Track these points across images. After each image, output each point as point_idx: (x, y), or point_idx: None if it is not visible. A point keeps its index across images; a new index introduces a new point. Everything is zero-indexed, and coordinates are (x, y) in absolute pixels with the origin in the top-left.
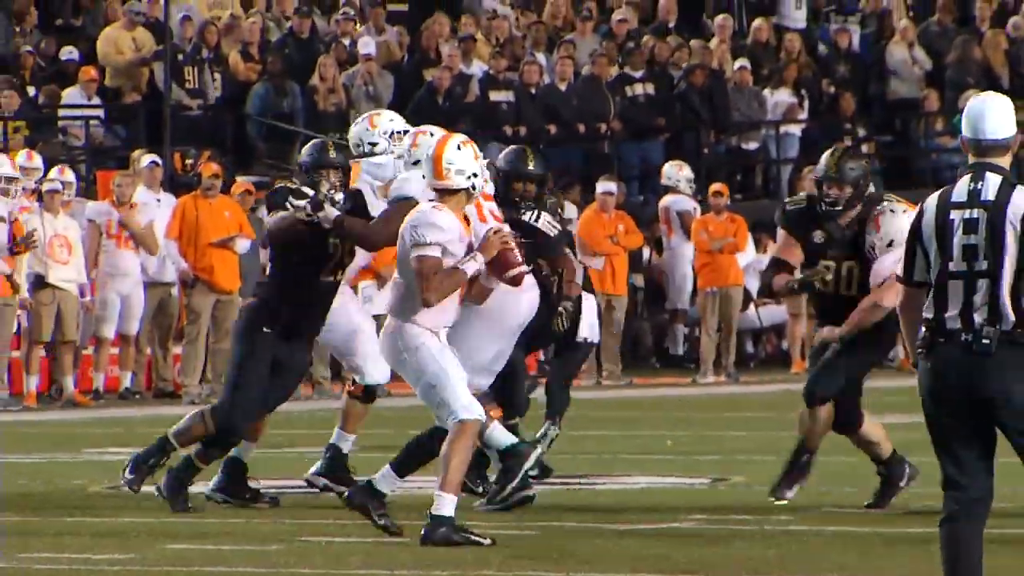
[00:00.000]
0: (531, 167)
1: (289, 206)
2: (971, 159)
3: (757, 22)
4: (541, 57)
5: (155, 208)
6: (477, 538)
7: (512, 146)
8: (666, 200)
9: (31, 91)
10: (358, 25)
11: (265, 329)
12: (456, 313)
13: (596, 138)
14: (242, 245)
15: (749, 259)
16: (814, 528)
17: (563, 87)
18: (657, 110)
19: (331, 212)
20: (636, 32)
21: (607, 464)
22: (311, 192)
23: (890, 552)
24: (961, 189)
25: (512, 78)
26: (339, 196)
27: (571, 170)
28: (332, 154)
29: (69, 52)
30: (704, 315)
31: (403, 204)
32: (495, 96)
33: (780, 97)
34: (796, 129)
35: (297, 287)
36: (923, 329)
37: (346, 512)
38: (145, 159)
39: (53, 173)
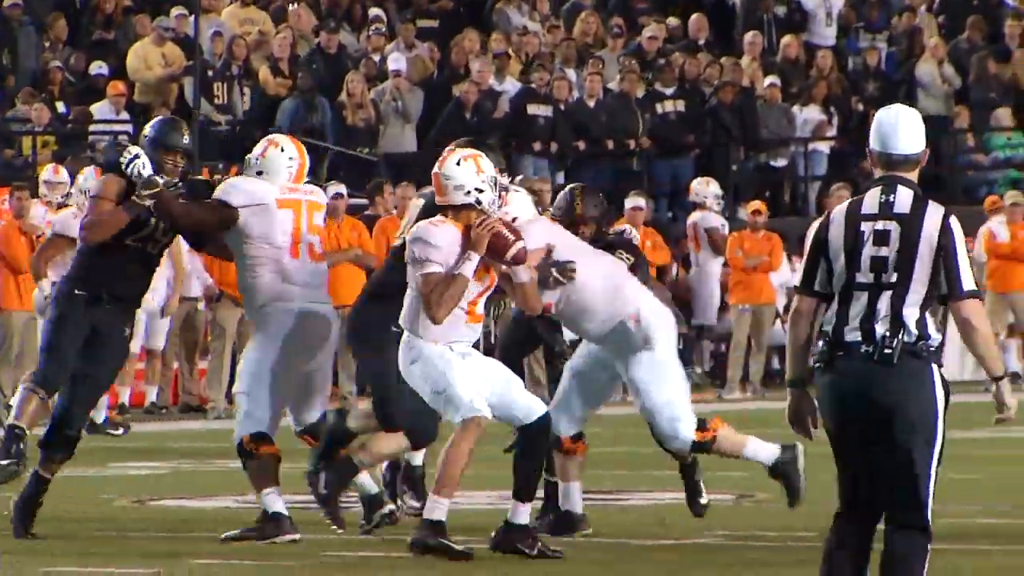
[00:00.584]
0: (583, 210)
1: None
2: (879, 172)
3: (787, 39)
4: (571, 73)
5: None
6: (455, 546)
7: (563, 191)
8: (694, 216)
9: (60, 106)
10: (388, 42)
11: (76, 292)
12: (472, 331)
13: (625, 154)
14: None
15: (783, 278)
16: None
17: (592, 103)
18: (687, 127)
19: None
20: (667, 49)
21: (633, 480)
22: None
23: None
24: (871, 201)
25: (548, 93)
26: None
27: (600, 186)
28: (180, 137)
29: (99, 67)
30: (736, 332)
31: (219, 206)
32: (532, 110)
33: (809, 114)
34: (825, 146)
35: (103, 250)
36: (821, 343)
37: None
38: None
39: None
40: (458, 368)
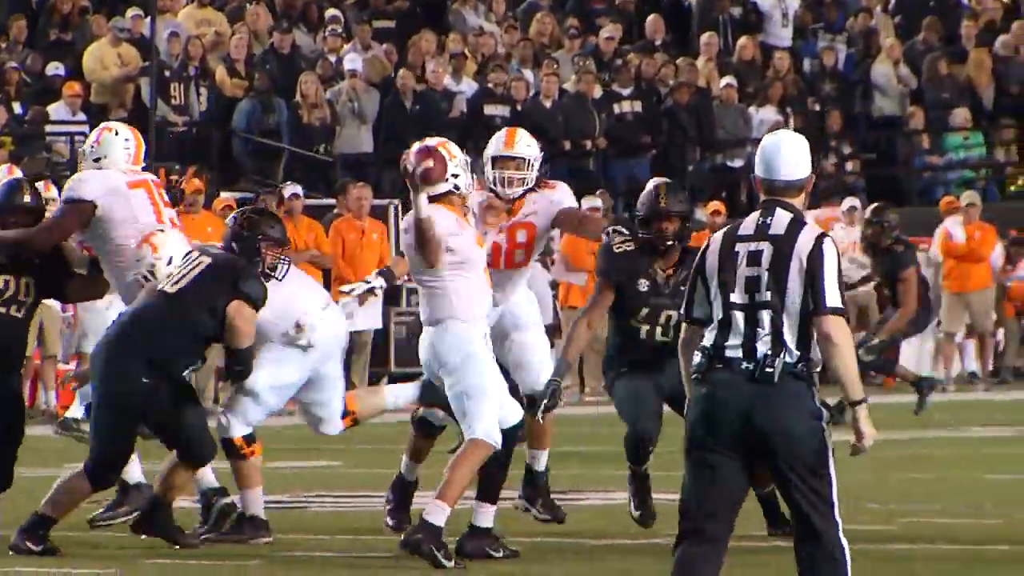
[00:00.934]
0: (667, 205)
1: None
2: (763, 197)
3: (743, 40)
4: (528, 74)
5: None
6: (442, 559)
7: (647, 186)
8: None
9: (16, 107)
10: (345, 43)
11: None
12: (492, 305)
13: (582, 155)
14: None
15: None
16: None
17: (548, 104)
18: (644, 127)
19: None
20: (623, 50)
21: (589, 480)
22: None
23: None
24: (749, 224)
25: (504, 93)
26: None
27: None
28: (20, 197)
29: (55, 68)
30: None
31: (72, 206)
32: (489, 110)
33: (765, 115)
34: None
35: None
36: (698, 356)
37: (328, 528)
38: None
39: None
40: (493, 387)
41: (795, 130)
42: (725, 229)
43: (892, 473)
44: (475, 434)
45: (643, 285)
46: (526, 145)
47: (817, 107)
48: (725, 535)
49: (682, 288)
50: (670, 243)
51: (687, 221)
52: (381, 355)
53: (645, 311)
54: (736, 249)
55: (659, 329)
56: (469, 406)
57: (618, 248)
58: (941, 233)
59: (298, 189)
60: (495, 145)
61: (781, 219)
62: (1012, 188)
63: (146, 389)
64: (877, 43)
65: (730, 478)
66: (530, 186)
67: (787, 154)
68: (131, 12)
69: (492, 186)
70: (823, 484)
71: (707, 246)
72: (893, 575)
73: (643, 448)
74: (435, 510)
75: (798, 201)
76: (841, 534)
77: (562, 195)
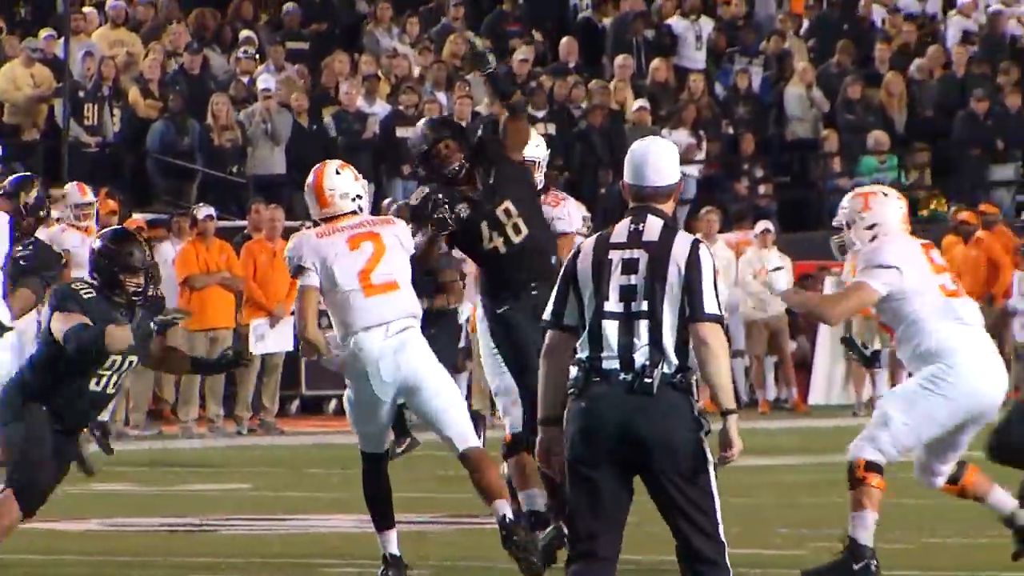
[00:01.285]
0: None
1: None
2: (632, 204)
3: (656, 63)
4: (441, 96)
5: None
6: None
7: None
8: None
9: None
10: (259, 64)
11: None
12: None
13: None
14: None
15: None
16: None
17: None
18: (557, 150)
19: None
20: (536, 72)
21: None
22: None
23: None
24: (620, 231)
25: (416, 115)
26: None
27: None
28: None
29: None
30: None
31: None
32: (401, 132)
33: (678, 137)
34: (694, 170)
35: None
36: (575, 370)
37: (240, 551)
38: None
39: None
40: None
41: (708, 154)
42: (596, 236)
43: (802, 497)
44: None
45: None
46: (534, 146)
47: (731, 130)
48: (614, 552)
49: None
50: None
51: None
52: (293, 378)
53: None
54: (610, 257)
55: None
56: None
57: None
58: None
59: (211, 211)
60: None
61: (653, 225)
62: (923, 212)
63: None
64: (791, 66)
65: (612, 494)
66: (537, 188)
67: (656, 160)
68: (44, 33)
69: None
70: (704, 497)
71: (576, 253)
72: None
73: None
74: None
75: (667, 207)
76: (726, 555)
77: (564, 213)
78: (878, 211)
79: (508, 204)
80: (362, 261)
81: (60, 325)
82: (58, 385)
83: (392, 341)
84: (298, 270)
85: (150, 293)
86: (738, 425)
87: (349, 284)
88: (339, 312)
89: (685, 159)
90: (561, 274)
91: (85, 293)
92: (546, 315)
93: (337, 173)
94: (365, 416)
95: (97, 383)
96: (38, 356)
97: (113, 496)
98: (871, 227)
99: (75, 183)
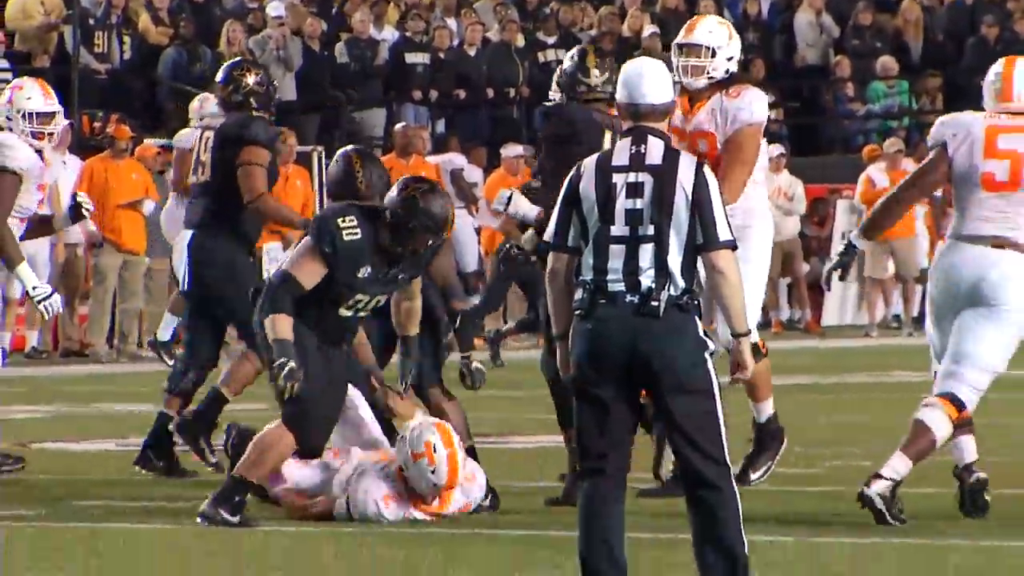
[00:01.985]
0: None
1: None
2: (627, 124)
3: None
4: (452, 22)
5: (61, 169)
6: None
7: None
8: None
9: None
10: None
11: None
12: None
13: (505, 103)
14: (149, 207)
15: None
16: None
17: (472, 52)
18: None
19: None
20: None
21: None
22: None
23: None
24: (621, 153)
25: (426, 41)
26: None
27: (480, 136)
28: None
29: None
30: None
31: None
32: (411, 59)
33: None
34: None
35: None
36: (580, 292)
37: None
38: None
39: None
40: None
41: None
42: (596, 158)
43: (818, 417)
44: None
45: None
46: (707, 32)
47: (740, 57)
48: (623, 469)
49: None
50: None
51: None
52: None
53: None
54: (613, 180)
55: None
56: None
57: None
58: (864, 180)
59: None
60: (680, 33)
61: (655, 147)
62: None
63: None
64: None
65: (620, 413)
66: (715, 78)
67: (650, 79)
68: None
69: (677, 77)
70: (708, 418)
71: (576, 175)
72: (818, 518)
73: None
74: None
75: (663, 127)
76: (731, 478)
77: (745, 104)
78: None
79: None
80: None
81: (292, 268)
82: (310, 305)
83: None
84: None
85: None
86: (750, 347)
87: None
88: None
89: None
90: (562, 196)
91: (349, 234)
92: (547, 237)
93: None
94: None
95: (349, 310)
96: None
97: (118, 417)
98: None
99: (36, 82)
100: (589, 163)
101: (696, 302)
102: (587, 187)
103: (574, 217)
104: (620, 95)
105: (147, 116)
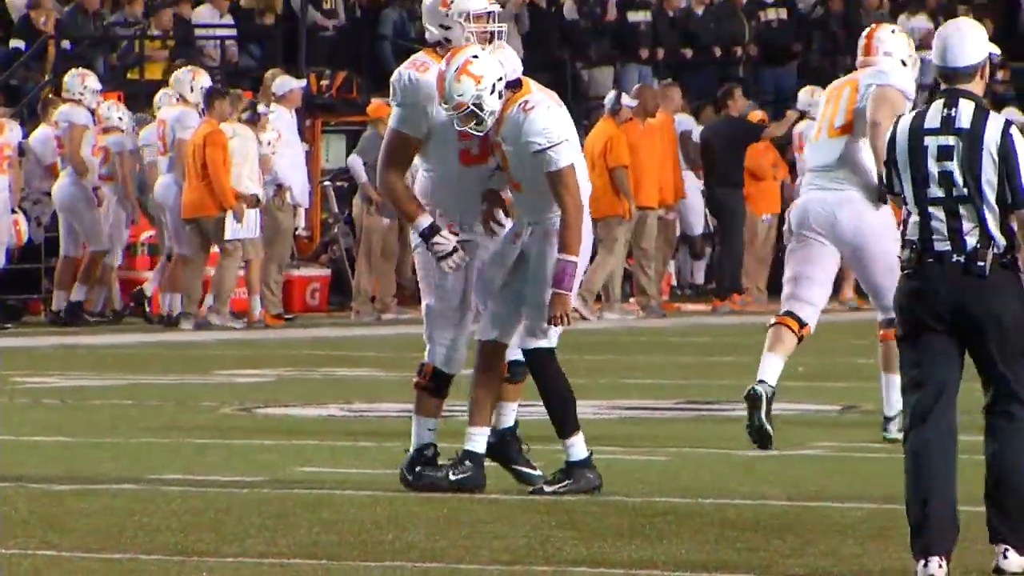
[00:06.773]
0: None
1: None
2: (943, 86)
3: None
4: None
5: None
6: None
7: None
8: (800, 126)
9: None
10: None
11: None
12: None
13: (731, 62)
14: None
15: None
16: None
17: (699, 11)
18: (789, 35)
19: None
20: None
21: (736, 390)
22: None
23: None
24: (933, 115)
25: (650, 0)
26: None
27: (706, 94)
28: None
29: None
30: None
31: None
32: (633, 17)
33: (917, 23)
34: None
35: None
36: (906, 251)
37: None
38: (291, 82)
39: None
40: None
41: None
42: (909, 119)
43: None
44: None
45: None
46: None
47: (970, 16)
48: (952, 420)
49: None
50: None
51: None
52: None
53: None
54: (925, 143)
55: None
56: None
57: None
58: None
59: None
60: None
61: (965, 110)
62: None
63: None
64: None
65: (946, 366)
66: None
67: (961, 40)
68: None
69: None
70: None
71: (893, 136)
72: None
73: None
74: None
75: (976, 87)
76: None
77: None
78: None
79: None
80: None
81: None
82: None
83: None
84: None
85: None
86: None
87: None
88: None
89: (925, 44)
90: (885, 158)
91: None
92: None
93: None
94: None
95: None
96: None
97: (342, 381)
98: None
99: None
100: (903, 125)
101: (1017, 258)
102: (900, 149)
103: (894, 174)
104: (934, 57)
105: (373, 74)
